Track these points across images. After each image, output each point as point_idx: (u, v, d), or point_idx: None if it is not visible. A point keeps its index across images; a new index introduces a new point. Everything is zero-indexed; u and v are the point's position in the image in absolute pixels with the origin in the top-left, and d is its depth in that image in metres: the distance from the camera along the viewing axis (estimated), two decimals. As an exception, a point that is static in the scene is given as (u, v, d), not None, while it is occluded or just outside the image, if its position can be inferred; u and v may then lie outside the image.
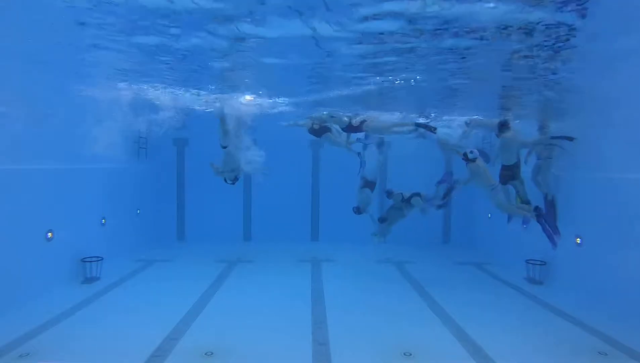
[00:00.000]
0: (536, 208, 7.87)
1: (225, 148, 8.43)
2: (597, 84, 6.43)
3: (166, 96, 8.17)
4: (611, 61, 5.48)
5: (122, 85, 7.51)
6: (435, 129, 8.65)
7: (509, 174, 8.11)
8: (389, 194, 9.59)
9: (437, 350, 5.43)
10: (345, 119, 9.13)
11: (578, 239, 7.89)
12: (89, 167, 8.72)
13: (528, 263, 8.76)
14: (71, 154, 8.06)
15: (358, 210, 9.59)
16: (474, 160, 8.04)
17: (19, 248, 6.64)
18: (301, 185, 13.04)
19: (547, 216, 7.96)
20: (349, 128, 9.21)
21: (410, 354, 5.26)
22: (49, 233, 7.43)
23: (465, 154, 8.07)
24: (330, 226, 13.07)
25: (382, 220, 9.56)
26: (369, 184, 9.72)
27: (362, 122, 8.98)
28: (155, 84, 7.38)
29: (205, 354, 5.16)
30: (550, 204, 8.31)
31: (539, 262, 8.65)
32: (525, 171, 8.41)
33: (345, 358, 5.17)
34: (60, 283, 7.71)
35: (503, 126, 8.08)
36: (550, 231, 7.86)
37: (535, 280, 8.57)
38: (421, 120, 9.19)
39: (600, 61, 5.46)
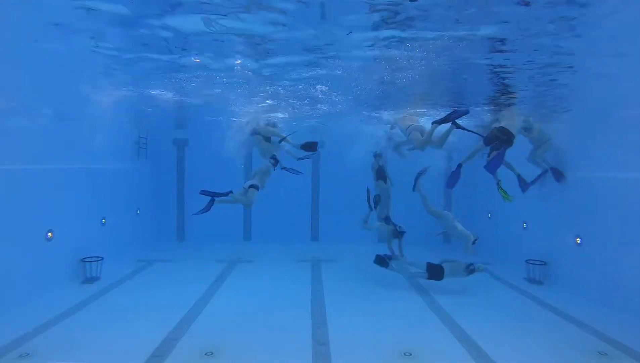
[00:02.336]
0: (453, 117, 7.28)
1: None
2: (596, 84, 6.45)
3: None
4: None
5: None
6: (314, 146, 8.79)
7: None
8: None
9: (437, 350, 5.42)
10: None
11: (578, 239, 7.89)
12: (89, 167, 8.72)
13: (528, 263, 8.76)
14: (71, 154, 8.06)
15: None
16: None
17: (19, 248, 6.64)
18: (301, 185, 13.03)
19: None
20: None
21: (410, 354, 5.26)
22: (49, 233, 7.43)
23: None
24: (330, 226, 13.07)
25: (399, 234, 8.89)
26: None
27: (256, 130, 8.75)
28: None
29: (205, 354, 5.16)
30: (555, 171, 8.36)
31: (539, 262, 8.65)
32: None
33: (346, 358, 5.17)
34: (60, 283, 7.71)
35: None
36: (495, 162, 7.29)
37: (535, 280, 8.57)
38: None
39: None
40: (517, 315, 6.79)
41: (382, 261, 8.48)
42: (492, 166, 7.29)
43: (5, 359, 4.95)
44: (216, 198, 7.88)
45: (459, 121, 7.25)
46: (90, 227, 8.86)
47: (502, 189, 7.74)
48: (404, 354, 5.26)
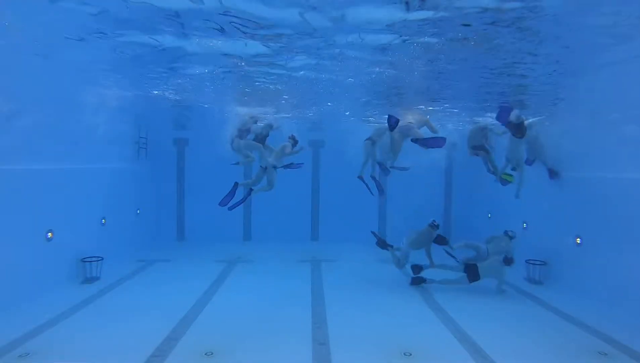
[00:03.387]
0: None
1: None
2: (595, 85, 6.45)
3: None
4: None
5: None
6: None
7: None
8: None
9: (437, 350, 5.43)
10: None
11: (578, 239, 7.89)
12: (89, 167, 8.72)
13: (528, 263, 8.76)
14: (71, 154, 8.06)
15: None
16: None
17: (19, 248, 6.64)
18: (301, 185, 13.04)
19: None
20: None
21: (410, 354, 5.26)
22: (49, 233, 7.43)
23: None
24: (330, 226, 13.08)
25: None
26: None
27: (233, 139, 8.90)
28: None
29: (205, 354, 5.16)
30: (551, 171, 8.40)
31: (539, 262, 8.65)
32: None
33: (345, 358, 5.17)
34: (60, 283, 7.71)
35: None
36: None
37: (535, 280, 8.56)
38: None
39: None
40: (517, 315, 6.80)
41: (419, 280, 8.39)
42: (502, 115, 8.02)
43: (5, 359, 4.95)
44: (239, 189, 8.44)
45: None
46: (90, 227, 8.86)
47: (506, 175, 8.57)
48: (404, 354, 5.26)
